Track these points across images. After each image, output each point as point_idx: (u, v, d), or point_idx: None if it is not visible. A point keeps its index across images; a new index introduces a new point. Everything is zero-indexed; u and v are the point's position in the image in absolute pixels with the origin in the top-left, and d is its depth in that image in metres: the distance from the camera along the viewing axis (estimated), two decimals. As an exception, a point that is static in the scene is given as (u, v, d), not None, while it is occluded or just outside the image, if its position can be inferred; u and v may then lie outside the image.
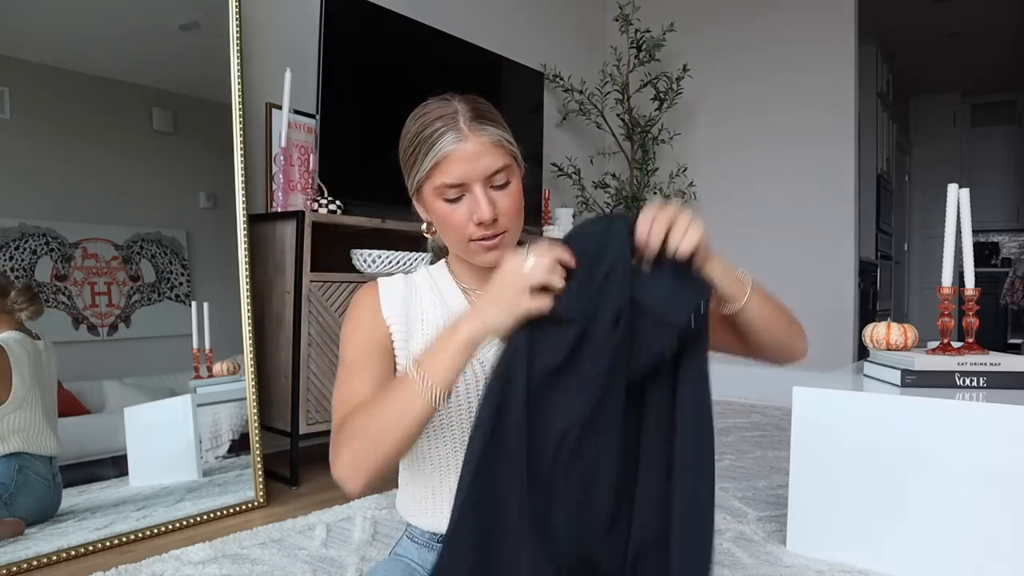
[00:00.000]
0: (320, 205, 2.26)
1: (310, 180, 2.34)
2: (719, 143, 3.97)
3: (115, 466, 1.80)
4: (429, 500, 0.88)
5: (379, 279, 0.97)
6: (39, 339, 1.71)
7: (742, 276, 0.85)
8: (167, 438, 1.95)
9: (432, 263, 1.02)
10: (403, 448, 0.77)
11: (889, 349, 1.77)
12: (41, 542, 1.58)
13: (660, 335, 0.74)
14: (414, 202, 0.94)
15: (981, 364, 1.62)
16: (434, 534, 0.89)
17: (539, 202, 3.31)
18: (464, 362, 0.76)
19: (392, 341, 0.91)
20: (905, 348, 1.76)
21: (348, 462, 0.77)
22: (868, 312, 4.57)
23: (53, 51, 1.80)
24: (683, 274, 0.75)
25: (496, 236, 0.87)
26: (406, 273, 0.99)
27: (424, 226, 0.96)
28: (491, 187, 0.86)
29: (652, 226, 0.74)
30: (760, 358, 0.92)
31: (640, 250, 0.74)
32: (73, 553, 1.59)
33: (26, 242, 1.72)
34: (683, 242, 0.74)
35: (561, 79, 3.78)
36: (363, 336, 0.91)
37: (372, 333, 0.91)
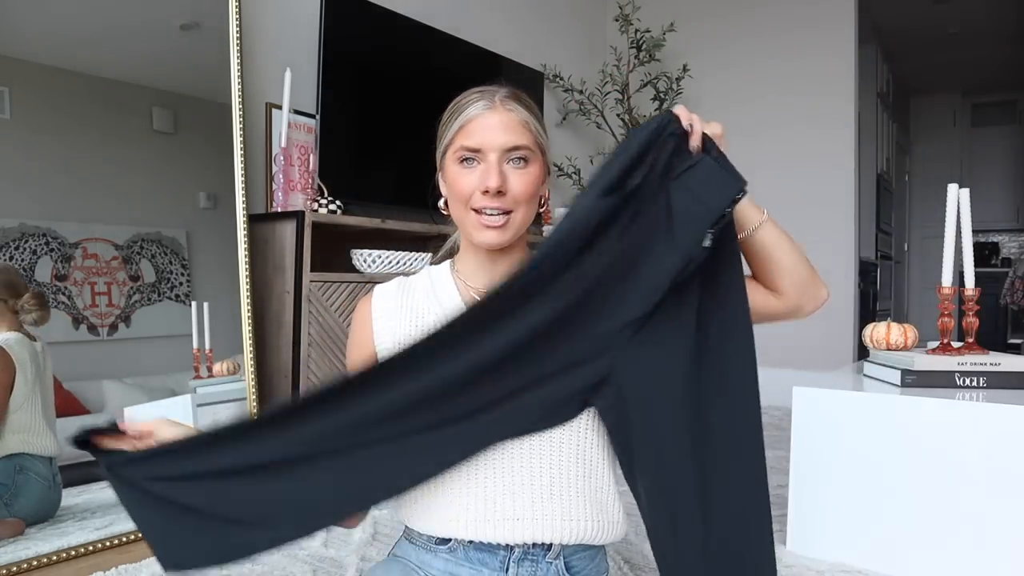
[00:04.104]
0: (320, 205, 2.26)
1: (310, 180, 2.34)
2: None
3: (115, 466, 1.80)
4: (427, 503, 0.88)
5: (375, 288, 0.98)
6: (36, 340, 1.71)
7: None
8: (167, 438, 1.94)
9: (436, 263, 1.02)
10: None
11: (889, 349, 1.77)
12: (41, 542, 1.58)
13: (698, 219, 0.76)
14: (438, 177, 0.97)
15: (981, 364, 1.62)
16: (431, 536, 0.89)
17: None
18: None
19: (375, 344, 0.94)
20: (905, 348, 1.76)
21: None
22: (868, 312, 4.57)
23: (53, 51, 1.80)
24: (723, 161, 0.79)
25: (502, 214, 0.88)
26: (406, 275, 1.00)
27: (441, 202, 0.97)
28: (508, 163, 0.89)
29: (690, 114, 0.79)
30: (782, 294, 0.90)
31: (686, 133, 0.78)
32: (73, 553, 1.59)
33: (26, 242, 1.72)
34: (711, 126, 0.80)
35: (561, 79, 3.78)
36: (354, 355, 0.97)
37: (360, 351, 0.96)
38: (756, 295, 0.88)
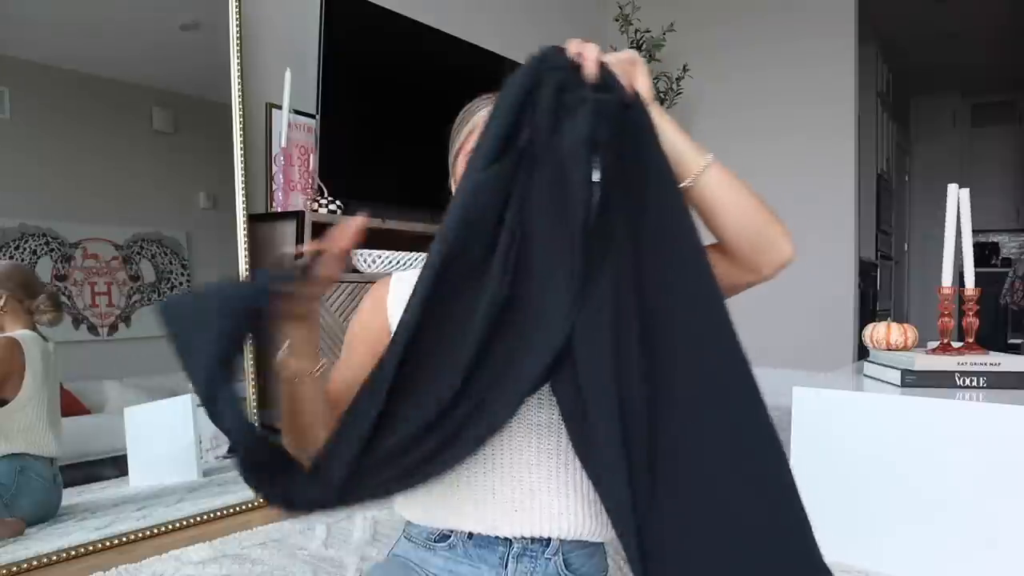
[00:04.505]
0: (320, 205, 2.26)
1: (310, 180, 2.34)
2: (719, 143, 3.93)
3: (115, 466, 1.80)
4: (426, 495, 0.88)
5: (394, 274, 0.99)
6: (48, 341, 1.73)
7: (701, 147, 0.77)
8: (167, 438, 1.95)
9: None
10: (318, 425, 0.79)
11: (889, 349, 1.77)
12: (41, 542, 1.58)
13: (579, 152, 0.67)
14: (451, 181, 0.97)
15: (981, 364, 1.62)
16: (432, 532, 0.89)
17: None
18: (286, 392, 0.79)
19: (390, 330, 0.91)
20: (905, 348, 1.76)
21: (290, 449, 0.81)
22: (868, 312, 4.57)
23: (53, 51, 1.80)
24: (612, 82, 0.69)
25: None
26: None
27: None
28: None
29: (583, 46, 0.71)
30: (732, 253, 0.80)
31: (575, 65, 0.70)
32: (73, 553, 1.59)
33: (26, 242, 1.72)
34: (618, 53, 0.72)
35: (561, 79, 3.78)
36: (362, 320, 0.96)
37: (369, 319, 0.95)
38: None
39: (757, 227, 0.79)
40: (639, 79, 0.74)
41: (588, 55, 0.70)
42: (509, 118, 0.69)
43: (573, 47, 0.71)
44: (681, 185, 0.76)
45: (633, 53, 0.75)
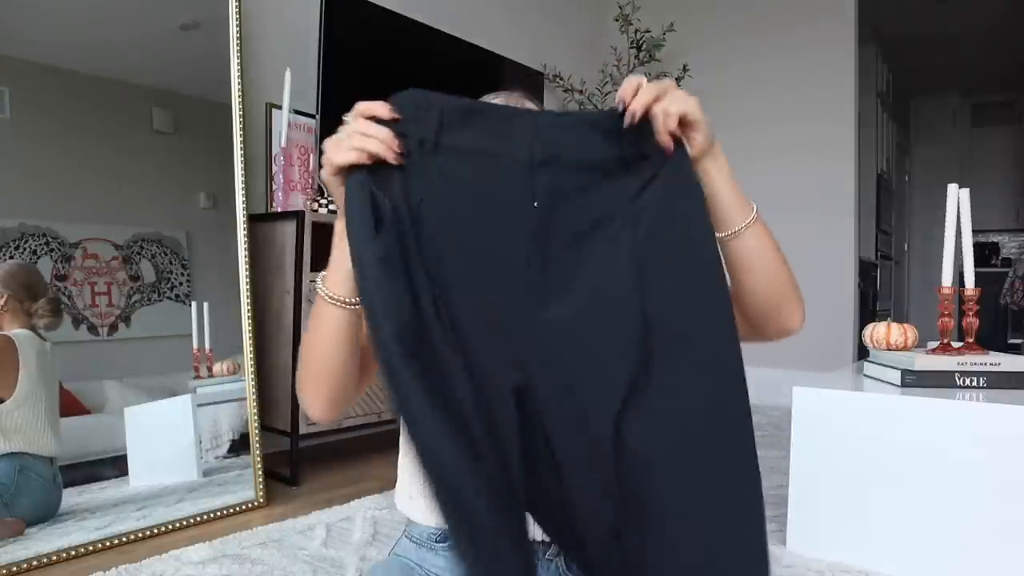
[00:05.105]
0: (320, 205, 2.26)
1: (310, 180, 2.34)
2: (719, 142, 3.96)
3: (115, 466, 1.80)
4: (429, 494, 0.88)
5: None
6: (46, 341, 1.73)
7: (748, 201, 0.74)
8: (167, 438, 1.95)
9: None
10: (338, 360, 0.75)
11: (889, 349, 1.77)
12: (41, 542, 1.58)
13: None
14: None
15: (981, 364, 1.62)
16: (434, 531, 0.89)
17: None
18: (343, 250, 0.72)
19: None
20: (905, 348, 1.76)
21: (301, 387, 0.77)
22: (868, 312, 4.57)
23: (53, 51, 1.80)
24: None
25: None
26: None
27: None
28: None
29: (635, 90, 0.67)
30: (748, 317, 0.78)
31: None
32: (73, 553, 1.59)
33: (26, 242, 1.72)
34: (669, 103, 0.65)
35: (561, 79, 3.78)
36: None
37: None
38: None
39: (779, 292, 0.76)
40: (695, 135, 0.70)
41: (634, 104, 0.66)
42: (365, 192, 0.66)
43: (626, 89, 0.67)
44: (720, 236, 0.73)
45: (693, 108, 0.68)
